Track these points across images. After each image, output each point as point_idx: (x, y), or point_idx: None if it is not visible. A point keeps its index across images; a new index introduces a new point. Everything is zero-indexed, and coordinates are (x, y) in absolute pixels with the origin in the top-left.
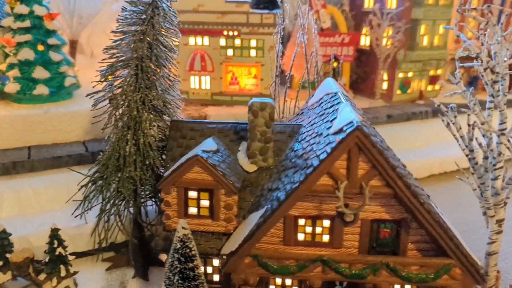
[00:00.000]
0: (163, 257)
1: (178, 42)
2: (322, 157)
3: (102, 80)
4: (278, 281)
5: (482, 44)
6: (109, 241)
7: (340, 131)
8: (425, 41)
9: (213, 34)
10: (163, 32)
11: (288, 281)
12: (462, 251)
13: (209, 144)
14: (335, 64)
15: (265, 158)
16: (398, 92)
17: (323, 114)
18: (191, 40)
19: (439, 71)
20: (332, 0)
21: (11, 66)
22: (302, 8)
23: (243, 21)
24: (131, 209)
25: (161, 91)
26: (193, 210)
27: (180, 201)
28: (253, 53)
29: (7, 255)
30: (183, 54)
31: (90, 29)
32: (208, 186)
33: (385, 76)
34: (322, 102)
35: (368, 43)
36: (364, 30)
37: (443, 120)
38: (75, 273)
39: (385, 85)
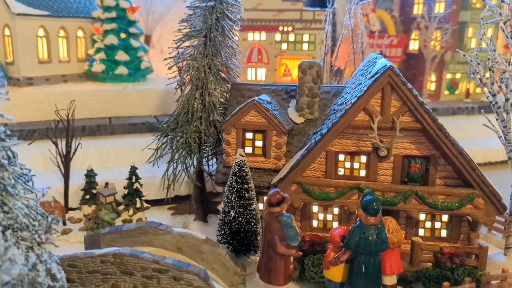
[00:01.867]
0: (219, 207)
1: (238, 37)
2: (359, 94)
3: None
4: (320, 216)
5: None
6: (175, 193)
7: (375, 74)
8: (472, 43)
9: (269, 29)
10: (229, 7)
11: (329, 217)
12: (485, 182)
13: (264, 97)
14: None
15: (311, 111)
16: (446, 92)
17: (364, 71)
18: (250, 36)
19: (487, 74)
20: (383, 5)
21: (98, 50)
22: (352, 7)
23: (297, 17)
24: (195, 160)
25: (225, 58)
26: (248, 149)
27: (238, 141)
28: (305, 46)
29: (93, 191)
30: (242, 48)
31: (161, 27)
32: (262, 128)
33: (433, 78)
34: (364, 66)
35: (416, 48)
36: (413, 34)
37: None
38: (148, 207)
39: (433, 86)
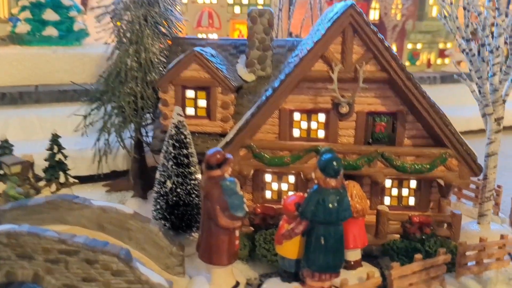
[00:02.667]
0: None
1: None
2: (316, 38)
3: None
4: (274, 186)
5: None
6: (111, 168)
7: (335, 15)
8: (434, 12)
9: None
10: None
11: (284, 186)
12: (459, 139)
13: (207, 50)
14: None
15: (263, 67)
16: (407, 63)
17: (322, 19)
18: None
19: (449, 44)
20: None
21: (22, 9)
22: None
23: None
24: (132, 129)
25: (163, 9)
26: (190, 111)
27: (177, 101)
28: None
29: None
30: (191, 12)
31: None
32: (205, 84)
33: (394, 48)
34: (321, 17)
35: (377, 17)
36: (373, 3)
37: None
38: (75, 183)
39: None
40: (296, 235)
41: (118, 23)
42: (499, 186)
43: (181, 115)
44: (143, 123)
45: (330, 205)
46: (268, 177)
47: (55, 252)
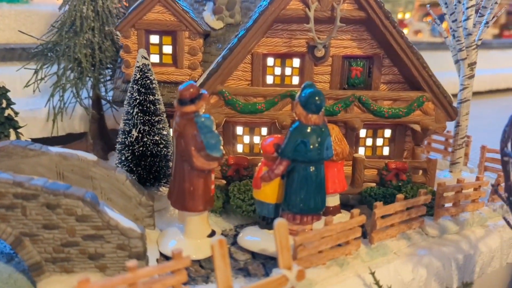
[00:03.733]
0: None
1: None
2: None
3: None
4: (246, 139)
5: None
6: (67, 130)
7: None
8: None
9: None
10: None
11: (257, 139)
12: (435, 82)
13: None
14: None
15: (232, 13)
16: None
17: None
18: None
19: (407, 15)
20: None
21: None
22: None
23: None
24: (90, 85)
25: None
26: (155, 58)
27: (140, 47)
28: None
29: None
30: None
31: None
32: (170, 28)
33: None
34: None
35: None
36: None
37: None
38: (27, 141)
39: None
40: (276, 176)
41: None
42: (468, 137)
43: (146, 58)
44: (102, 79)
45: (312, 143)
46: (239, 130)
47: (10, 196)
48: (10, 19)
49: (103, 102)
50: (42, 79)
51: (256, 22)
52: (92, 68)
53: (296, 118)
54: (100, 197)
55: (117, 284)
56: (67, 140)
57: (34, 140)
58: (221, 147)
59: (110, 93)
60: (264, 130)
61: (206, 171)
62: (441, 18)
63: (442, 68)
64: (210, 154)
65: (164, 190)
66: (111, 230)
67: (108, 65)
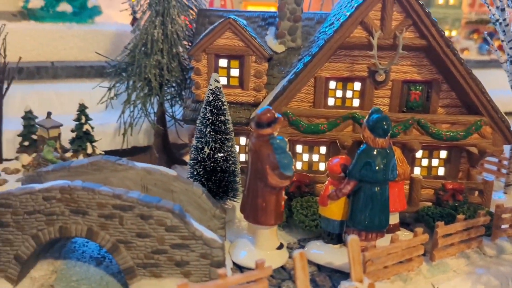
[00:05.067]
0: (187, 158)
1: None
2: (357, 4)
3: None
4: (305, 157)
5: None
6: (132, 144)
7: None
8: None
9: None
10: None
11: (315, 157)
12: (493, 107)
13: (240, 19)
14: None
15: (294, 38)
16: None
17: None
18: None
19: (453, 32)
20: None
21: None
22: None
23: None
24: (156, 102)
25: None
26: (223, 80)
27: (210, 69)
28: None
29: (33, 136)
30: None
31: None
32: (238, 52)
33: None
34: None
35: None
36: None
37: None
38: (101, 154)
39: None
40: (344, 195)
41: None
42: None
43: (218, 81)
44: (167, 97)
45: (378, 164)
46: (299, 148)
47: (110, 207)
48: (79, 38)
49: (167, 118)
50: (115, 95)
51: (322, 49)
52: (159, 87)
53: (364, 141)
54: None
55: None
56: (132, 152)
57: (104, 152)
58: (293, 167)
59: (175, 110)
60: (322, 149)
61: (278, 188)
62: (491, 35)
63: (490, 86)
64: (284, 173)
65: (231, 204)
66: (196, 240)
67: (173, 84)
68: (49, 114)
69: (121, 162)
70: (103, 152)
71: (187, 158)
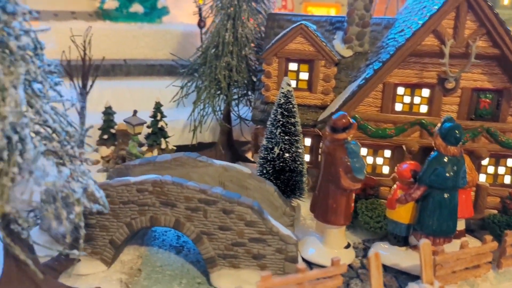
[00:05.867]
0: (249, 155)
1: None
2: (430, 13)
3: None
4: (369, 160)
5: None
6: (198, 140)
7: None
8: (506, 0)
9: None
10: None
11: (379, 161)
12: None
13: (310, 24)
14: None
15: (361, 43)
16: None
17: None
18: None
19: None
20: None
21: None
22: None
23: None
24: (223, 101)
25: None
26: (292, 83)
27: (280, 72)
28: None
29: (112, 131)
30: None
31: None
32: (308, 57)
33: None
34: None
35: None
36: None
37: None
38: (174, 149)
39: None
40: (413, 200)
41: None
42: None
43: (289, 85)
44: (234, 97)
45: (448, 171)
46: (363, 151)
47: (196, 201)
48: (150, 37)
49: (232, 116)
50: (186, 94)
51: (393, 56)
52: (227, 87)
53: (435, 148)
54: None
55: (291, 281)
56: (198, 148)
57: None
58: (365, 170)
59: (240, 109)
60: (387, 152)
61: (349, 190)
62: None
63: None
64: (356, 176)
65: (297, 202)
66: (273, 236)
67: (240, 85)
68: (135, 112)
69: (201, 159)
70: (175, 148)
71: (249, 155)
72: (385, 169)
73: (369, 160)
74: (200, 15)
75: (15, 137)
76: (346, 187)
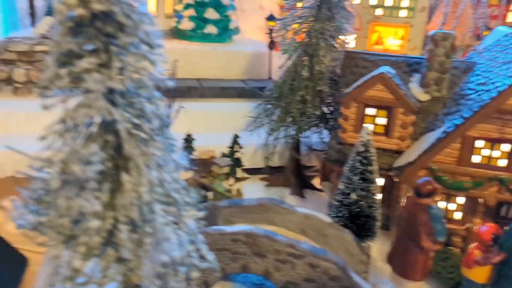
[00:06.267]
0: (315, 182)
1: None
2: None
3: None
4: (441, 205)
5: None
6: (267, 163)
7: None
8: None
9: None
10: None
11: (452, 206)
12: None
13: (387, 69)
14: (486, 33)
15: (439, 88)
16: None
17: (506, 49)
18: None
19: None
20: None
21: (186, 7)
22: None
23: None
24: (294, 131)
25: (339, 23)
26: (369, 127)
27: (358, 117)
28: (403, 13)
29: (190, 157)
30: None
31: None
32: (387, 104)
33: None
34: (500, 42)
35: None
36: None
37: None
38: (247, 177)
39: None
40: (491, 264)
41: (291, 34)
42: None
43: (370, 134)
44: (305, 128)
45: None
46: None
47: (284, 254)
48: (221, 58)
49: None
50: (262, 125)
51: (476, 114)
52: (299, 121)
53: None
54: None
55: None
56: (266, 171)
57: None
58: (446, 233)
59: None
60: (460, 199)
61: (430, 251)
62: None
63: None
64: (437, 239)
65: (368, 244)
66: None
67: (312, 117)
68: (223, 154)
69: (284, 206)
70: (249, 176)
71: (315, 182)
72: (457, 215)
73: (441, 204)
74: (270, 37)
75: (146, 211)
76: (426, 248)
